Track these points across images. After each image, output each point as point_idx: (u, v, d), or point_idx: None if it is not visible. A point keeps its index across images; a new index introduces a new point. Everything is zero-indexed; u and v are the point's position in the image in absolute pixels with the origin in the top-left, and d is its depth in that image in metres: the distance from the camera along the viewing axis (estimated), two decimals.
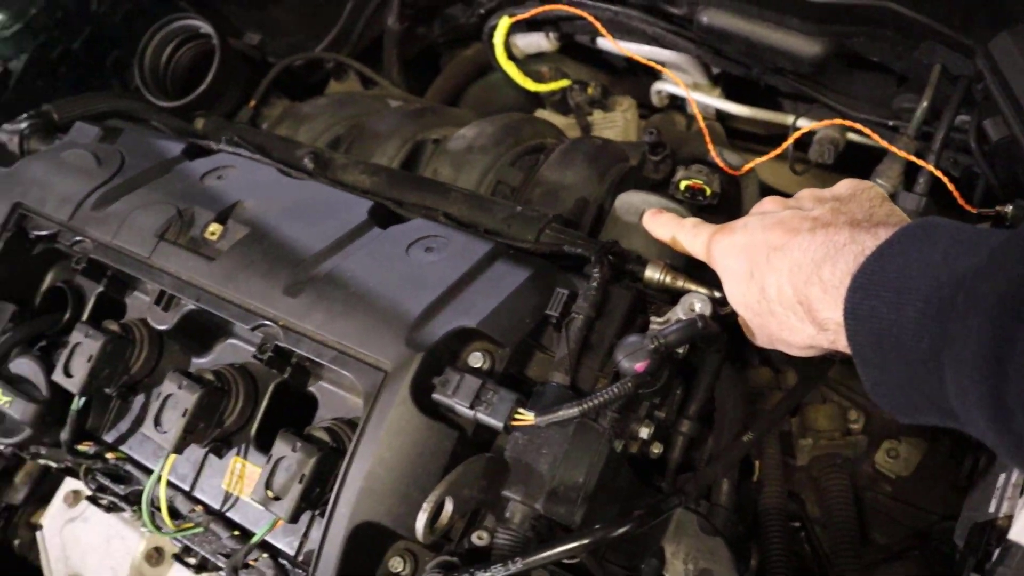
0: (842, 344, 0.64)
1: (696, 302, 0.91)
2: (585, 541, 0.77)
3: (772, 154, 1.26)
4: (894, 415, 0.63)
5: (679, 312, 0.92)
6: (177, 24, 1.46)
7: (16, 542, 1.51)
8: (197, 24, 1.45)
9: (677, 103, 1.64)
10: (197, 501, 1.05)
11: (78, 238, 1.13)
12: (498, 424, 0.80)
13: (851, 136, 1.37)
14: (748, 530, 1.19)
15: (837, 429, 1.26)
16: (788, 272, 0.69)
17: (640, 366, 0.83)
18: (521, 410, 0.81)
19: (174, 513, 1.04)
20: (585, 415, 0.80)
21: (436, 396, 0.84)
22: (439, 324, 0.89)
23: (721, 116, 1.61)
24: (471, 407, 0.81)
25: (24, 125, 1.30)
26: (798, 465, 1.31)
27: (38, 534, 1.31)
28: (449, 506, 0.82)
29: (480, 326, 0.88)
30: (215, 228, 1.06)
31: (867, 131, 1.15)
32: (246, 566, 0.96)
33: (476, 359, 0.88)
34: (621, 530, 0.78)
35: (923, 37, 1.06)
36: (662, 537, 1.03)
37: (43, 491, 1.48)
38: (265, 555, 0.97)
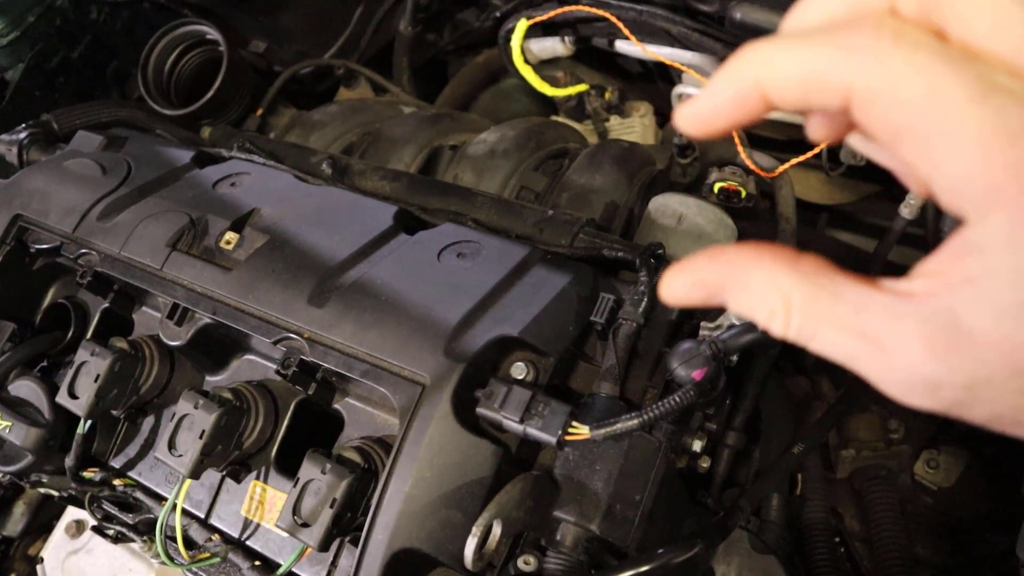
0: None
1: None
2: (649, 567, 0.71)
3: (806, 156, 1.21)
4: None
5: (731, 317, 0.87)
6: (183, 30, 1.40)
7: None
8: (203, 30, 1.40)
9: None
10: (214, 529, 0.98)
11: (83, 250, 1.06)
12: (551, 439, 0.74)
13: None
14: (792, 546, 1.13)
15: (879, 439, 1.21)
16: None
17: (698, 374, 0.78)
18: (575, 423, 0.75)
19: (189, 543, 0.98)
20: (643, 427, 0.74)
21: (481, 410, 0.78)
22: (478, 333, 0.83)
23: None
24: (521, 421, 0.75)
25: (23, 135, 1.24)
26: (837, 478, 1.25)
27: (38, 567, 1.23)
28: (498, 529, 0.76)
29: (522, 335, 0.83)
30: (231, 237, 1.00)
31: None
32: None
33: (519, 370, 0.82)
34: (688, 554, 0.72)
35: None
36: (712, 557, 0.97)
37: (41, 521, 1.40)
38: None
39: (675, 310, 0.88)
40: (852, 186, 1.58)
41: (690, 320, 0.91)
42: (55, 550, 1.23)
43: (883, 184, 1.56)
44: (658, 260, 0.93)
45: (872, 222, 1.65)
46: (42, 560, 1.23)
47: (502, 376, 0.82)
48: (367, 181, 1.15)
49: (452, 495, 0.78)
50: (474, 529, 0.73)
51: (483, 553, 0.75)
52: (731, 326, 0.85)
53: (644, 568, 0.71)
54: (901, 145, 0.33)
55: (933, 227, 1.30)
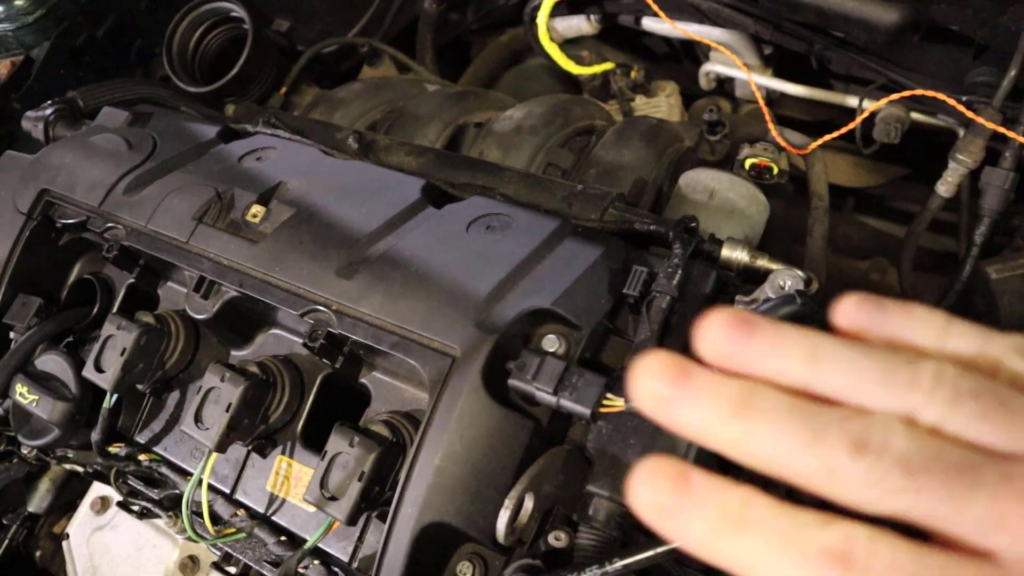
0: None
1: (786, 279, 0.84)
2: None
3: (839, 132, 1.19)
4: None
5: (767, 291, 0.85)
6: (207, 7, 1.39)
7: (38, 553, 1.43)
8: (228, 7, 1.39)
9: (724, 87, 1.57)
10: (239, 504, 0.98)
11: (109, 224, 1.06)
12: (585, 411, 0.73)
13: (915, 116, 1.30)
14: None
15: None
16: None
17: None
18: (610, 395, 0.73)
19: (214, 518, 0.97)
20: None
21: (513, 382, 0.76)
22: (509, 305, 0.82)
23: (769, 101, 1.54)
24: (555, 393, 0.74)
25: (49, 112, 1.24)
26: None
27: (64, 544, 1.23)
28: (529, 503, 0.75)
29: (554, 307, 0.81)
30: (257, 210, 0.99)
31: (951, 101, 1.07)
32: (298, 574, 0.89)
33: (550, 343, 0.81)
34: None
35: (1013, 0, 0.99)
36: None
37: (66, 499, 1.40)
38: (317, 562, 0.89)
39: (709, 284, 0.86)
40: (881, 168, 1.55)
41: (725, 294, 0.89)
42: (80, 527, 1.23)
43: (912, 167, 1.53)
44: (691, 234, 0.91)
45: (900, 207, 1.62)
46: (67, 536, 1.23)
47: (534, 349, 0.80)
48: (393, 156, 1.13)
49: (482, 469, 0.77)
50: (506, 502, 0.72)
51: (515, 527, 0.74)
52: (767, 299, 0.83)
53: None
54: None
55: (967, 211, 1.27)
